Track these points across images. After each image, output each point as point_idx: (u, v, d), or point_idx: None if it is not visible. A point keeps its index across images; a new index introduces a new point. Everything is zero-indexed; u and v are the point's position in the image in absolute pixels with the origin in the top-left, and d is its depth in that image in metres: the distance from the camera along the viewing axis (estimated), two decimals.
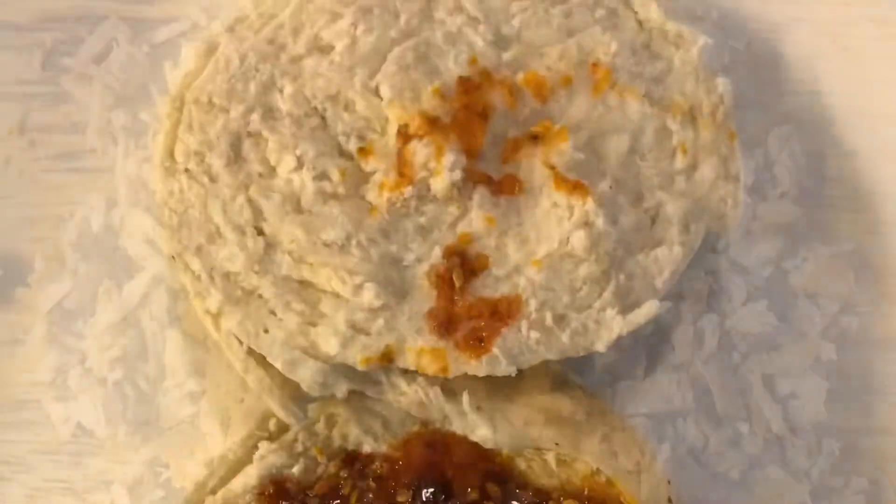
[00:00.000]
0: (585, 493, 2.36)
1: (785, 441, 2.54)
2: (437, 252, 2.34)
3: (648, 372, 2.55)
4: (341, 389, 2.31)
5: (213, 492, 2.37)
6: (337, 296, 2.32)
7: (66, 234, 2.59)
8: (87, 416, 2.52)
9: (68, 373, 2.53)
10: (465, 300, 2.32)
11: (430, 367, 2.29)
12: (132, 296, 2.55)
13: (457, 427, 2.33)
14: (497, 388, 2.35)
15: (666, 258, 2.39)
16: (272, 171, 2.40)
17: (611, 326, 2.33)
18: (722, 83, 2.52)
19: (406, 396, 2.33)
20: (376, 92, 2.44)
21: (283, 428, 2.40)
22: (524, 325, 2.31)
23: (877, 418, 2.58)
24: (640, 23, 2.57)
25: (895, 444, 2.58)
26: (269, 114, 2.43)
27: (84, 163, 2.66)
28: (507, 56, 2.48)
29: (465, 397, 2.30)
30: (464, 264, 2.34)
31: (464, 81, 2.43)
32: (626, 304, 2.35)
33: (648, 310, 2.34)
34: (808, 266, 2.62)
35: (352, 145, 2.41)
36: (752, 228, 2.62)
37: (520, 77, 2.46)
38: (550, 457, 2.37)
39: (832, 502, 2.51)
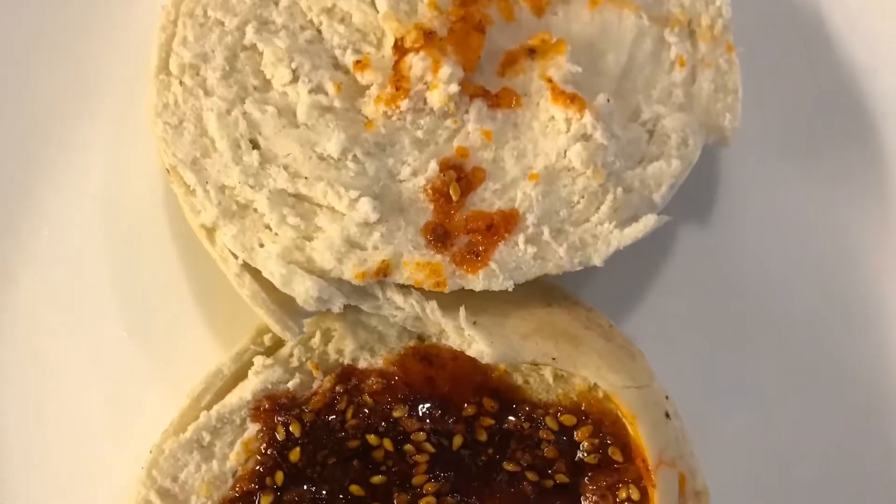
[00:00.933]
0: (583, 408, 2.36)
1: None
2: (433, 166, 2.32)
3: (647, 287, 2.56)
4: (337, 304, 2.29)
5: (208, 407, 2.36)
6: (332, 210, 2.30)
7: None
8: None
9: None
10: (461, 214, 2.31)
11: (427, 281, 2.28)
12: None
13: (453, 342, 2.32)
14: (494, 303, 2.34)
15: (664, 172, 2.37)
16: (267, 84, 2.38)
17: (608, 240, 2.31)
18: None
19: (402, 311, 2.32)
20: (372, 4, 2.42)
21: (279, 343, 2.40)
22: (521, 239, 2.30)
23: None
24: None
25: None
26: (264, 26, 2.41)
27: None
28: None
29: (462, 312, 2.28)
30: (460, 178, 2.32)
31: None
32: (624, 218, 2.34)
33: (646, 223, 2.32)
34: (807, 180, 2.62)
35: (347, 58, 2.39)
36: (751, 142, 2.61)
37: None
38: (547, 372, 2.37)
39: None
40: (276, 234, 2.29)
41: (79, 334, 2.53)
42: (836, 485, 2.58)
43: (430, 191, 2.32)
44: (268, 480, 2.33)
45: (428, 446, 2.34)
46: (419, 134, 2.35)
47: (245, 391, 2.35)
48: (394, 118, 2.35)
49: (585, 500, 2.34)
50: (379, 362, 2.37)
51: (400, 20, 2.37)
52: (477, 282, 2.28)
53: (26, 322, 2.53)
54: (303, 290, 2.26)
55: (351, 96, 2.37)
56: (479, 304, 2.32)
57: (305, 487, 2.33)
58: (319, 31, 2.41)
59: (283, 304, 2.31)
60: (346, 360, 2.38)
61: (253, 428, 2.34)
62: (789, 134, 2.66)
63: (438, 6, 2.38)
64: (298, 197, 2.31)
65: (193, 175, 2.32)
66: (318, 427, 2.34)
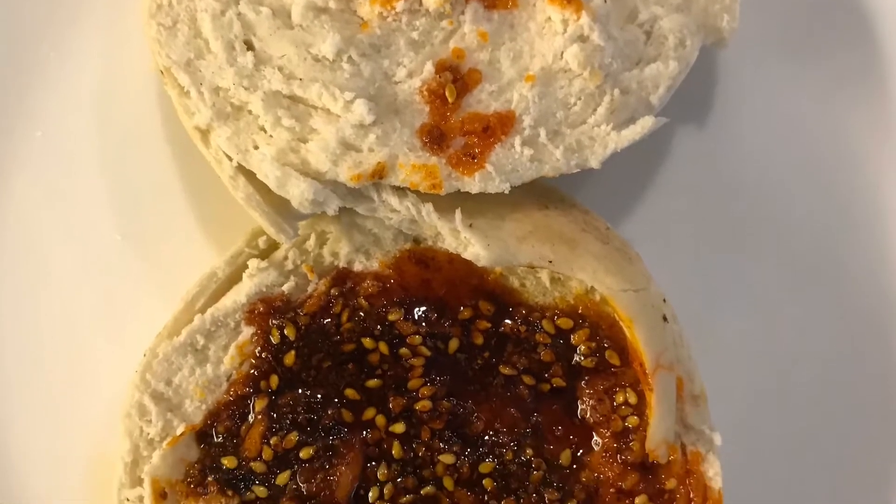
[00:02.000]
0: (580, 311, 2.36)
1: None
2: (429, 67, 2.30)
3: (644, 190, 2.55)
4: (332, 206, 2.28)
5: (202, 310, 2.36)
6: (328, 112, 2.28)
7: None
8: None
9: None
10: (457, 116, 2.29)
11: (422, 183, 2.26)
12: None
13: (449, 245, 2.31)
14: (490, 206, 2.32)
15: (661, 73, 2.34)
16: None
17: (605, 142, 2.29)
18: None
19: (398, 214, 2.31)
20: None
21: (273, 246, 2.39)
22: (517, 141, 2.28)
23: None
24: None
25: None
26: None
27: None
28: None
29: (458, 214, 2.27)
30: (456, 80, 2.30)
31: None
32: (621, 120, 2.32)
33: (643, 125, 2.30)
34: (806, 81, 2.60)
35: None
36: (749, 43, 2.57)
37: None
38: (544, 275, 2.36)
39: None
40: (271, 136, 2.28)
41: (72, 237, 2.52)
42: (835, 388, 2.58)
43: (425, 92, 2.29)
44: (262, 384, 2.33)
45: (424, 350, 2.34)
46: (415, 35, 2.32)
47: (239, 294, 2.35)
48: (389, 19, 2.32)
49: (582, 403, 2.34)
50: (374, 265, 2.36)
51: None
52: (473, 184, 2.26)
53: (19, 225, 2.52)
54: (297, 192, 2.24)
55: None
56: (476, 206, 2.31)
57: (300, 391, 2.33)
58: None
59: (278, 206, 2.31)
60: (342, 263, 2.36)
61: (247, 331, 2.34)
62: (788, 35, 2.62)
63: None
64: (293, 99, 2.29)
65: (187, 77, 2.30)
66: (312, 330, 2.34)
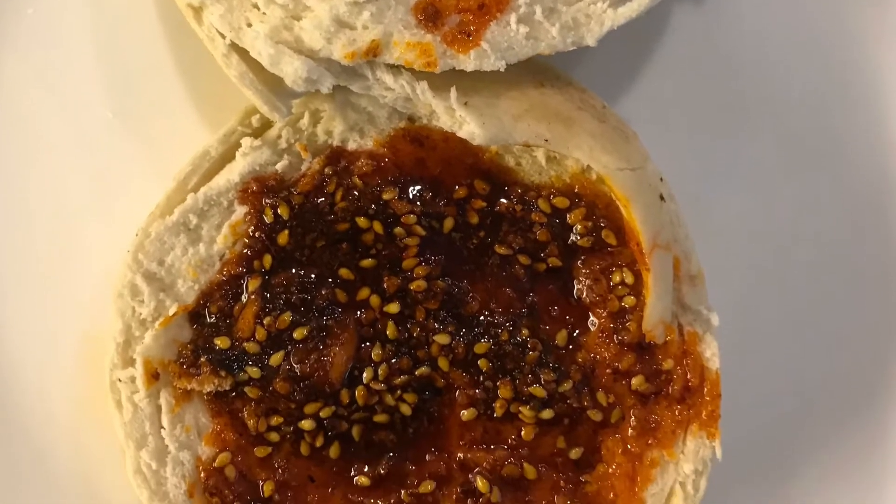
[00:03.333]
0: (576, 190, 2.34)
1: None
2: None
3: (641, 68, 2.53)
4: (326, 85, 2.24)
5: (195, 189, 2.34)
6: None
7: None
8: None
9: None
10: None
11: (417, 61, 2.22)
12: None
13: (444, 123, 2.28)
14: (485, 84, 2.29)
15: None
16: None
17: (602, 20, 2.25)
18: None
19: (392, 92, 2.27)
20: None
21: (267, 124, 2.36)
22: (513, 18, 2.24)
23: None
24: None
25: None
26: None
27: None
28: None
29: (453, 92, 2.23)
30: None
31: None
32: None
33: (640, 2, 2.25)
34: None
35: None
36: None
37: None
38: (540, 154, 2.33)
39: None
40: (264, 13, 2.24)
41: (63, 115, 2.50)
42: (833, 267, 2.57)
43: None
44: (255, 264, 2.32)
45: (418, 229, 2.32)
46: None
47: (233, 173, 2.32)
48: None
49: (578, 283, 2.32)
50: (369, 144, 2.34)
51: None
52: (468, 62, 2.23)
53: (10, 103, 2.50)
54: (291, 70, 2.21)
55: None
56: (471, 85, 2.27)
57: (294, 271, 2.32)
58: None
59: (271, 84, 2.27)
60: (336, 142, 2.34)
61: (240, 210, 2.32)
62: None
63: None
64: None
65: None
66: (306, 209, 2.32)
